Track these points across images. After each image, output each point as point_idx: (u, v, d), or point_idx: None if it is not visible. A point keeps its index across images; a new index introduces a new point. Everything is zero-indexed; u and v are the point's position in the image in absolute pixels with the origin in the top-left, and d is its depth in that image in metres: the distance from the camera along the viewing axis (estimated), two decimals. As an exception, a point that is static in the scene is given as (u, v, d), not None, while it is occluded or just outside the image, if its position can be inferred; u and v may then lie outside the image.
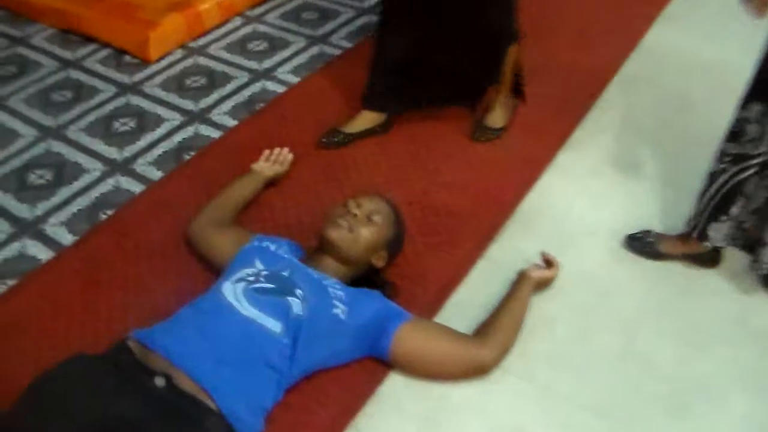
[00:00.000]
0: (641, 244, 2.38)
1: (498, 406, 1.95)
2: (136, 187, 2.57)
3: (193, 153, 2.73)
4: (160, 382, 1.63)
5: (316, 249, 2.07)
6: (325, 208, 2.33)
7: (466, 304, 2.21)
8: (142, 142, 2.78)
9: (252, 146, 2.66)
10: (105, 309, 2.14)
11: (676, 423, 1.92)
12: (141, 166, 2.67)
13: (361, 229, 2.03)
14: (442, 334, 1.99)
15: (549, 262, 2.25)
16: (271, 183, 2.55)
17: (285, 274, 1.91)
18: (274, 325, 1.77)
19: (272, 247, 2.05)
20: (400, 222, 2.16)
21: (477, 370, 1.97)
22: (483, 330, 2.03)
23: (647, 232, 2.40)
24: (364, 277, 2.11)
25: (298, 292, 1.85)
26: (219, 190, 2.40)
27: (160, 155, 2.72)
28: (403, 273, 2.25)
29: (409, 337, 1.94)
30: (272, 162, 2.56)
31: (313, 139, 2.78)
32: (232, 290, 1.83)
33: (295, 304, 1.82)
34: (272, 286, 1.85)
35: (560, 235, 2.45)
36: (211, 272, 2.15)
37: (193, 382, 1.64)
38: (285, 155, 2.60)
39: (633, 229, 2.43)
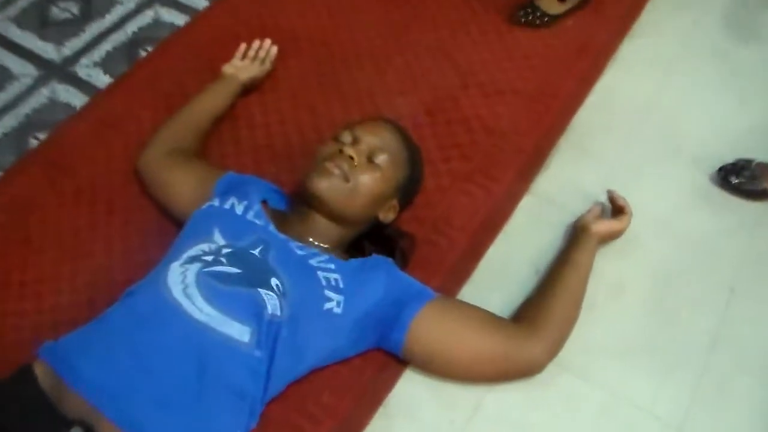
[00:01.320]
0: (738, 178, 1.83)
1: (548, 418, 1.48)
2: (77, 99, 2.01)
3: (150, 48, 2.15)
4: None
5: (300, 202, 1.52)
6: (320, 125, 1.82)
7: (508, 263, 1.71)
8: (87, 35, 2.18)
9: (231, 36, 2.08)
10: (32, 283, 1.63)
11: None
12: (84, 68, 2.09)
13: (361, 175, 1.47)
14: (475, 322, 1.47)
15: (618, 207, 1.70)
16: (249, 89, 1.98)
17: (255, 252, 1.38)
18: (240, 332, 1.26)
19: (238, 209, 1.49)
20: (415, 157, 1.60)
21: (523, 371, 1.48)
22: (530, 312, 1.53)
23: (747, 162, 1.84)
24: (368, 235, 1.59)
25: (275, 281, 1.32)
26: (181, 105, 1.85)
27: (108, 52, 2.13)
28: (420, 217, 1.73)
29: (430, 328, 1.44)
30: (250, 60, 1.97)
31: (313, 24, 2.18)
32: (180, 278, 1.30)
33: (271, 300, 1.30)
34: (237, 270, 1.33)
35: (629, 161, 1.91)
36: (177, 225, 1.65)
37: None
38: (267, 50, 2.00)
39: (727, 155, 1.88)
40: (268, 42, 2.00)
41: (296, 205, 1.54)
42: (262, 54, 1.99)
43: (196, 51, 2.11)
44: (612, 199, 1.71)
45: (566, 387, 1.51)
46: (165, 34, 2.18)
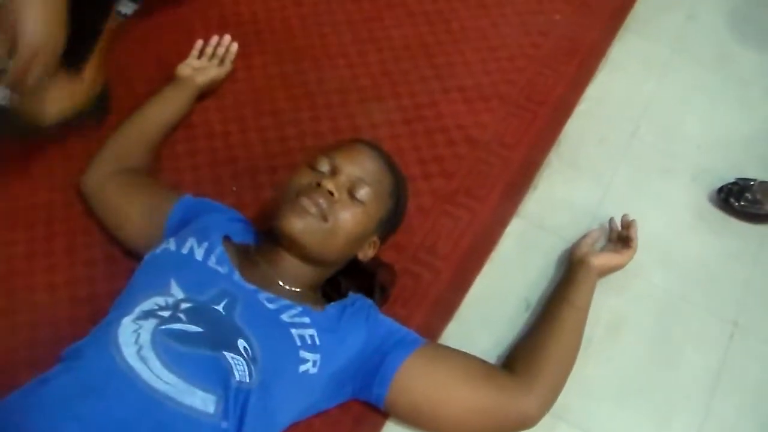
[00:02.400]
0: (740, 201, 1.69)
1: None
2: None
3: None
4: None
5: (270, 239, 1.33)
6: (286, 134, 1.66)
7: (496, 296, 1.55)
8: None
9: (184, 27, 1.89)
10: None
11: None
12: (18, 65, 1.85)
13: (341, 213, 1.28)
14: (464, 373, 1.32)
15: (626, 237, 1.56)
16: (206, 93, 1.77)
17: (219, 308, 1.19)
18: (204, 402, 1.07)
19: (198, 253, 1.28)
20: (400, 187, 1.42)
21: (515, 426, 1.33)
22: (523, 359, 1.37)
23: (747, 183, 1.71)
24: (344, 270, 1.42)
25: (242, 344, 1.14)
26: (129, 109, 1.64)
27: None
28: (400, 243, 1.56)
29: (415, 381, 1.28)
30: (208, 59, 1.77)
31: (277, 14, 1.98)
32: (132, 337, 1.10)
33: (238, 366, 1.11)
34: (199, 329, 1.14)
35: (625, 178, 1.76)
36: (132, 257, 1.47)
37: None
38: (227, 48, 1.80)
39: (727, 169, 1.76)
40: (227, 38, 1.80)
41: (264, 243, 1.36)
42: (220, 51, 1.79)
43: (145, 45, 1.89)
44: (625, 225, 1.58)
45: (562, 438, 1.38)
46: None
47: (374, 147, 1.40)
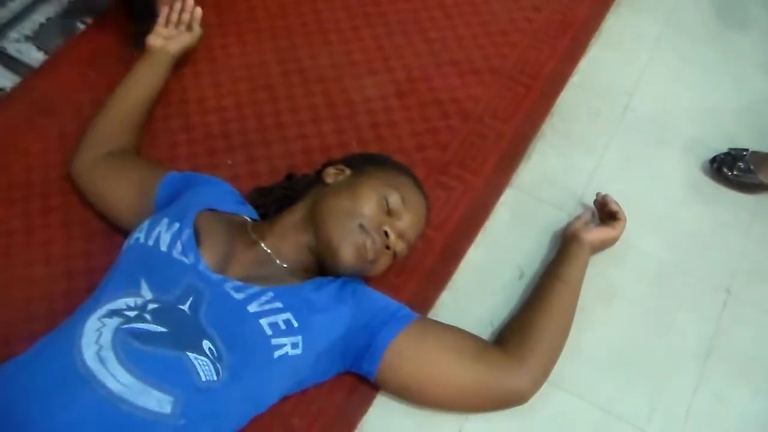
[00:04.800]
0: (733, 170, 1.70)
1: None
2: (6, 80, 1.78)
3: (89, 20, 1.92)
4: None
5: (299, 229, 1.34)
6: (279, 108, 1.66)
7: (489, 265, 1.56)
8: (15, 4, 1.94)
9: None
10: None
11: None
12: (13, 43, 1.86)
13: (382, 259, 1.33)
14: (455, 350, 1.31)
15: (609, 212, 1.56)
16: (182, 61, 1.77)
17: (185, 308, 1.17)
18: (160, 402, 1.06)
19: (164, 240, 1.26)
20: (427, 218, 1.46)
21: (507, 402, 1.34)
22: (516, 336, 1.37)
23: (740, 152, 1.72)
24: None
25: (207, 345, 1.13)
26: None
27: (41, 24, 1.90)
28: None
29: (405, 358, 1.28)
30: (175, 28, 1.74)
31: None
32: (94, 336, 1.09)
33: (203, 366, 1.11)
34: (163, 330, 1.13)
35: (617, 149, 1.77)
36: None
37: None
38: (191, 12, 1.76)
39: (719, 140, 1.77)
40: (190, 2, 1.76)
41: (267, 221, 1.38)
42: (186, 18, 1.75)
43: None
44: (603, 203, 1.57)
45: (557, 405, 1.39)
46: (106, 3, 1.93)
47: (426, 195, 1.43)
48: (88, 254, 1.49)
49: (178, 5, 1.75)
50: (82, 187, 1.53)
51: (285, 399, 1.29)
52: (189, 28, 1.76)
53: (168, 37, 1.71)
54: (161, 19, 1.73)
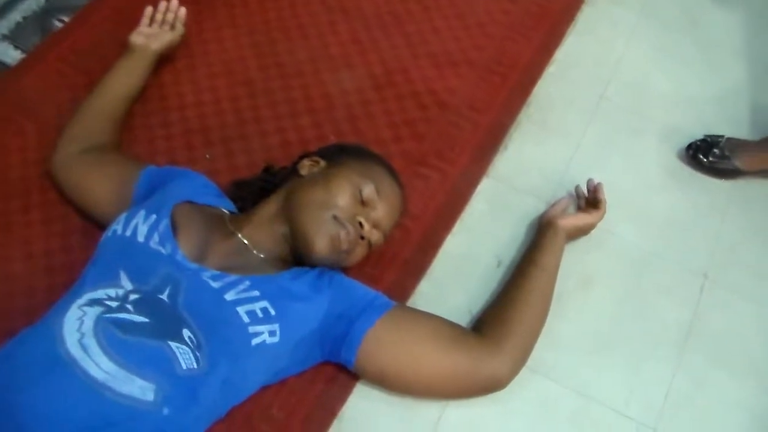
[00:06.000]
0: (709, 156, 1.72)
1: (517, 426, 1.38)
2: (-16, 79, 1.79)
3: (66, 18, 1.92)
4: None
5: (274, 221, 1.35)
6: (257, 103, 1.66)
7: (467, 254, 1.57)
8: (-7, 3, 1.96)
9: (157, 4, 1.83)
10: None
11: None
12: (-9, 41, 1.88)
13: (357, 249, 1.34)
14: (433, 337, 1.31)
15: (594, 199, 1.58)
16: (163, 58, 1.77)
17: (164, 297, 1.18)
18: (142, 390, 1.07)
19: (141, 231, 1.27)
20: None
21: (485, 388, 1.34)
22: (493, 322, 1.38)
23: (716, 139, 1.73)
24: None
25: (187, 333, 1.14)
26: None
27: (18, 23, 1.90)
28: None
29: (383, 347, 1.29)
30: (159, 25, 1.75)
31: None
32: (76, 324, 1.10)
33: (184, 355, 1.12)
34: (144, 320, 1.14)
35: (593, 138, 1.78)
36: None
37: None
38: (175, 12, 1.77)
39: (696, 128, 1.78)
40: (175, 2, 1.77)
41: (240, 212, 1.40)
42: (170, 17, 1.76)
43: (121, 19, 1.87)
44: (594, 190, 1.58)
45: (536, 391, 1.40)
46: (82, 1, 1.96)
47: (402, 187, 1.44)
48: (68, 250, 1.49)
49: (163, 5, 1.76)
50: (61, 183, 1.53)
51: (265, 389, 1.31)
52: (172, 26, 1.76)
53: (150, 35, 1.71)
54: (145, 19, 1.74)
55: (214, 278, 1.22)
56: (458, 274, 1.53)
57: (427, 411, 1.37)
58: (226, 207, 1.41)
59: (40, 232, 1.52)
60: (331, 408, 1.35)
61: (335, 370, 1.36)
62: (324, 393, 1.36)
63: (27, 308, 1.39)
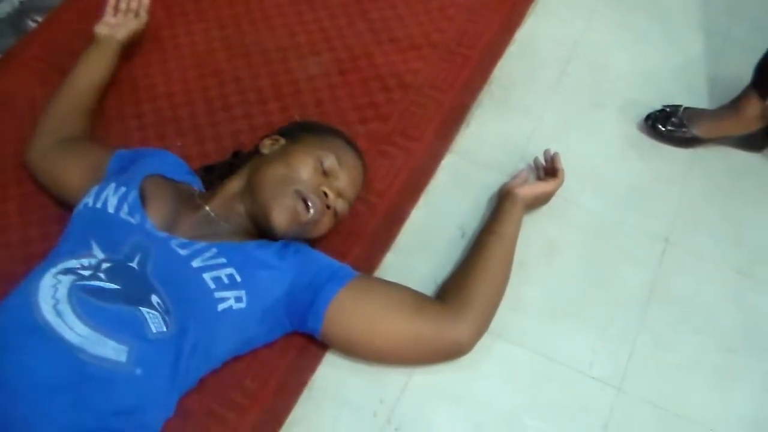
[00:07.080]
0: (667, 125, 1.76)
1: (483, 389, 1.41)
2: (-39, 79, 1.83)
3: (40, 18, 1.96)
4: None
5: (235, 200, 1.39)
6: (227, 92, 1.70)
7: (432, 227, 1.61)
8: (-33, 5, 1.99)
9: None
10: None
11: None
12: (-35, 43, 1.91)
13: (323, 219, 1.37)
14: (396, 305, 1.35)
15: (552, 169, 1.61)
16: (129, 47, 1.80)
17: (134, 264, 1.22)
18: (116, 351, 1.11)
19: (112, 202, 1.32)
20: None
21: (449, 353, 1.38)
22: (455, 290, 1.41)
23: (674, 108, 1.77)
24: None
25: (155, 299, 1.18)
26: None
27: (-7, 24, 1.95)
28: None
29: (348, 314, 1.32)
30: (123, 15, 1.78)
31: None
32: (50, 291, 1.14)
33: (153, 319, 1.16)
34: (116, 287, 1.17)
35: (554, 113, 1.82)
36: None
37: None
38: (139, 0, 1.80)
39: (654, 101, 1.81)
40: None
41: (208, 190, 1.44)
42: (134, 5, 1.79)
43: (93, 18, 1.85)
44: (551, 159, 1.62)
45: (501, 355, 1.44)
46: (55, 2, 2.00)
47: (364, 160, 1.48)
48: (45, 238, 1.51)
49: None
50: (36, 173, 1.57)
51: (238, 361, 1.34)
52: (136, 14, 1.79)
53: (115, 26, 1.75)
54: (109, 8, 1.76)
55: (182, 246, 1.26)
56: (423, 246, 1.57)
57: (395, 378, 1.40)
58: (195, 185, 1.45)
59: (17, 222, 1.56)
60: (302, 377, 1.39)
61: (305, 341, 1.39)
62: (294, 363, 1.39)
63: (6, 294, 1.42)
